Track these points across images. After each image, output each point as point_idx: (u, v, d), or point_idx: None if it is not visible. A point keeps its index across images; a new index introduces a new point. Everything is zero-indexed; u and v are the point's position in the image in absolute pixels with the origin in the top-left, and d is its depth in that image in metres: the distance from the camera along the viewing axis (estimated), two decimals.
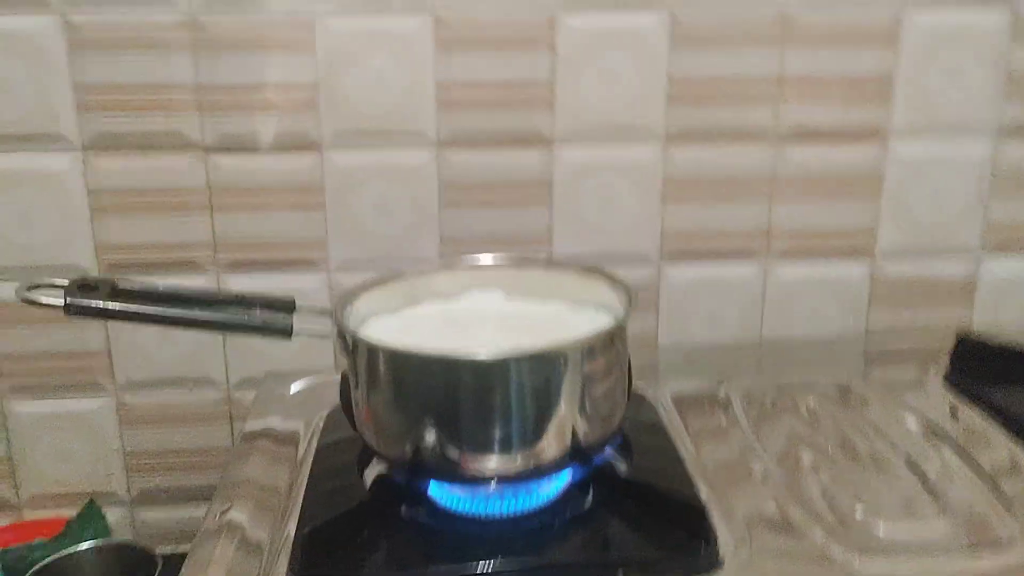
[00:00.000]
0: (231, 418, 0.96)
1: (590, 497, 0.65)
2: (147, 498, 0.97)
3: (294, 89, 0.86)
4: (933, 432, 0.74)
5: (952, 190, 0.94)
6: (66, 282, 0.59)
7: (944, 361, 0.86)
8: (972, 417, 0.76)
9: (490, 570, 0.57)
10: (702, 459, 0.70)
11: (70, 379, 0.93)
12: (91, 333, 0.92)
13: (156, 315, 0.59)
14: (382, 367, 0.61)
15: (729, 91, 0.89)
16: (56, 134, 0.86)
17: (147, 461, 0.96)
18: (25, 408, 0.93)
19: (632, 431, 0.70)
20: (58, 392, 0.93)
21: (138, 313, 0.59)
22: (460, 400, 0.60)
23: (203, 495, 0.97)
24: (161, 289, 0.61)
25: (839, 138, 0.92)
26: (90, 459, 0.96)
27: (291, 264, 0.91)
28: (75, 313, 0.58)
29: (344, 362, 0.64)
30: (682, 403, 0.80)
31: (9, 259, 0.89)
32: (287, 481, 0.69)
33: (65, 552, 0.76)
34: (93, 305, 0.58)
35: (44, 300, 0.57)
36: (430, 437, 0.60)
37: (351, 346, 0.62)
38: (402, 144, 0.89)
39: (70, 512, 0.94)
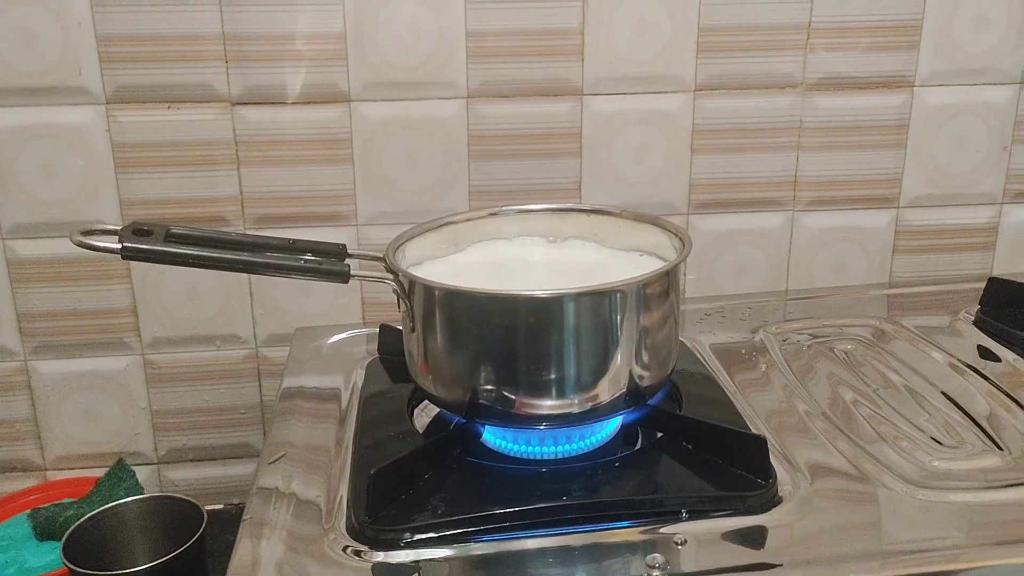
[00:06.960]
0: (259, 375, 0.95)
1: (645, 439, 0.66)
2: (175, 457, 0.97)
3: (322, 39, 0.85)
4: (971, 370, 0.75)
5: (976, 138, 0.95)
6: (119, 227, 0.58)
7: (971, 307, 0.87)
8: (1007, 357, 0.77)
9: (563, 503, 0.58)
10: (750, 402, 0.71)
11: (95, 338, 0.92)
12: (116, 292, 0.90)
13: (212, 259, 0.58)
14: (439, 307, 0.61)
15: (758, 40, 0.89)
16: (79, 87, 0.84)
17: (174, 420, 0.96)
18: (49, 368, 0.92)
19: (678, 379, 0.70)
20: (83, 351, 0.92)
21: (194, 256, 0.58)
22: (518, 338, 0.59)
23: (232, 453, 0.97)
24: (214, 234, 0.61)
25: (865, 86, 0.92)
26: (116, 419, 0.95)
27: (319, 218, 0.90)
28: (131, 257, 0.57)
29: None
30: (720, 352, 0.81)
31: (33, 216, 0.87)
32: (334, 435, 0.69)
33: (108, 506, 0.75)
34: (150, 248, 0.57)
35: (100, 244, 0.56)
36: (487, 377, 0.60)
37: (407, 289, 0.62)
38: (431, 95, 0.88)
39: (97, 473, 0.93)
